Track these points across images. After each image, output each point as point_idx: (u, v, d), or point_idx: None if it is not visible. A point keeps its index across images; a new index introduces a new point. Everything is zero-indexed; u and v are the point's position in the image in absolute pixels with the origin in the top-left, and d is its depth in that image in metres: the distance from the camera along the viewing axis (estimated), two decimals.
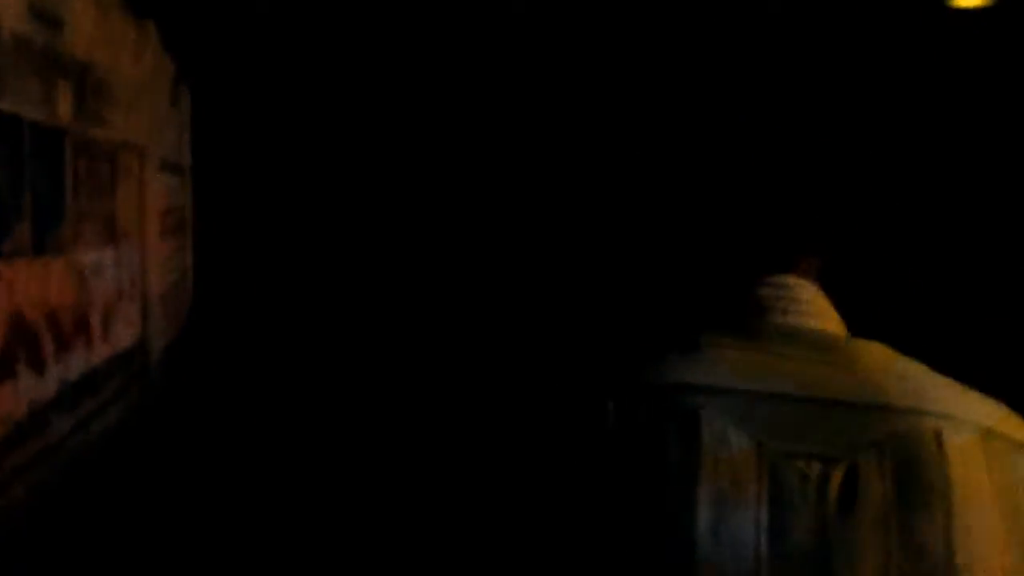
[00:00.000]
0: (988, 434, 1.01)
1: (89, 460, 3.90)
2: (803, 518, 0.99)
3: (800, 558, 0.97)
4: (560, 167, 8.99)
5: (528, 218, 8.89)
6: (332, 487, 4.87)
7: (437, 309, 9.16)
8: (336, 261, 9.65)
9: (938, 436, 0.96)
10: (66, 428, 3.57)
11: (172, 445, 5.00)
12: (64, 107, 3.56)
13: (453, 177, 9.63)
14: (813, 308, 1.26)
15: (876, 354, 1.12)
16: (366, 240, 9.74)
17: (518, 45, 8.50)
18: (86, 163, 3.87)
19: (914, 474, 0.95)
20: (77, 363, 3.70)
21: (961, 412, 1.02)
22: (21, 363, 3.10)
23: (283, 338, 8.04)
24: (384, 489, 4.82)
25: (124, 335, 4.60)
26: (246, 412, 5.82)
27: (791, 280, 1.27)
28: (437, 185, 9.77)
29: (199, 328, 7.76)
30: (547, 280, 8.65)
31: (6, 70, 2.96)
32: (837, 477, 0.99)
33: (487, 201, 9.42)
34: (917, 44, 7.76)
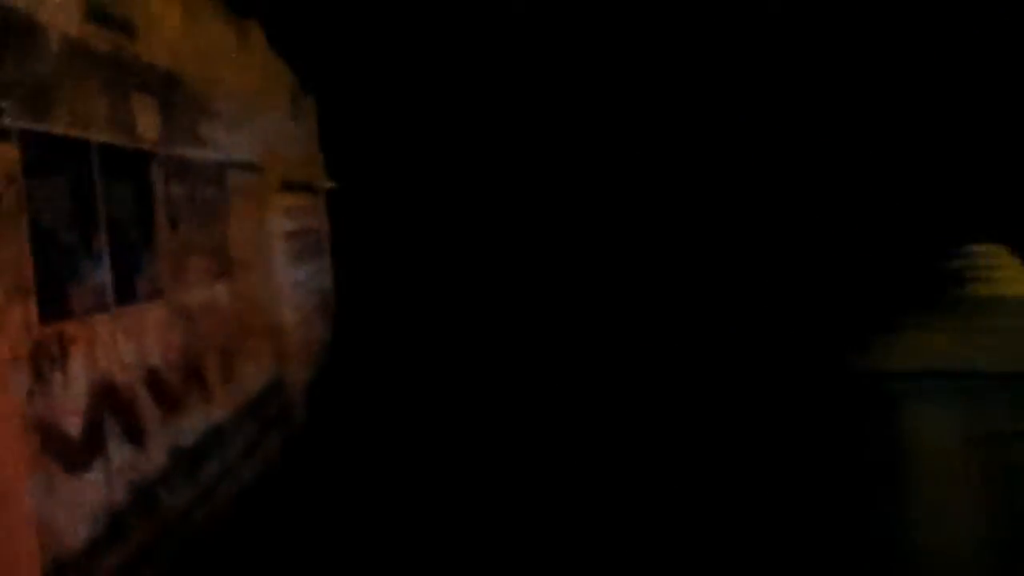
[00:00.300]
0: None
1: (219, 534, 3.34)
2: None
3: None
4: (725, 157, 8.22)
5: (708, 207, 8.17)
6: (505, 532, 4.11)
7: (596, 312, 8.36)
8: (489, 279, 8.97)
9: None
10: (183, 502, 3.01)
11: (322, 498, 4.42)
12: (147, 125, 3.01)
13: (605, 178, 8.83)
14: (1013, 274, 1.42)
15: None
16: (519, 254, 8.99)
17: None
18: (183, 188, 3.33)
19: None
20: (191, 423, 3.15)
21: None
22: (113, 438, 2.54)
23: (435, 362, 7.46)
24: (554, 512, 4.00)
25: (253, 378, 4.07)
26: (405, 449, 5.19)
27: (983, 247, 1.51)
28: (590, 188, 8.96)
29: (346, 356, 7.34)
30: (741, 267, 7.83)
31: (57, 84, 2.40)
32: None
33: (641, 198, 8.60)
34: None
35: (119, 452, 2.56)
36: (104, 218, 2.60)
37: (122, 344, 2.65)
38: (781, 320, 7.20)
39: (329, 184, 8.46)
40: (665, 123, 8.65)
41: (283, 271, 4.88)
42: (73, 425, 2.32)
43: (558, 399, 6.05)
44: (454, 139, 9.05)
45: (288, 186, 5.37)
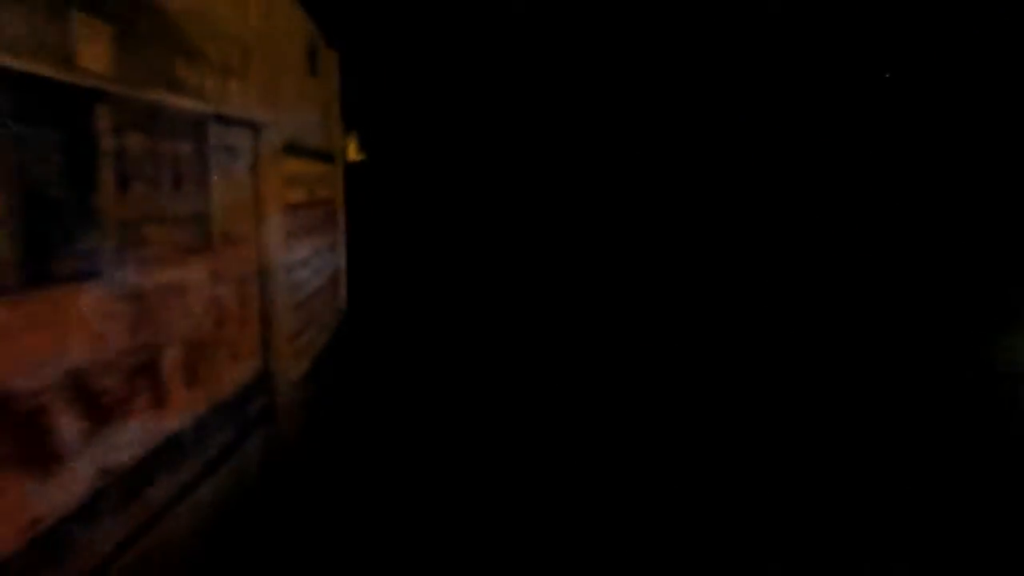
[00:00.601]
0: None
1: (168, 566, 2.72)
2: None
3: None
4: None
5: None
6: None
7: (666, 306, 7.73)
8: (521, 263, 8.42)
9: None
10: (114, 536, 2.38)
11: (310, 511, 3.80)
12: (93, 56, 2.35)
13: (632, 167, 8.30)
14: None
15: None
16: (546, 234, 8.48)
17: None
18: (145, 141, 2.68)
19: None
20: (134, 435, 2.51)
21: None
22: (4, 467, 1.90)
23: (455, 353, 6.81)
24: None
25: (231, 374, 3.43)
26: (413, 453, 4.56)
27: None
28: (612, 175, 8.46)
29: (355, 342, 6.71)
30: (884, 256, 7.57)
31: None
32: None
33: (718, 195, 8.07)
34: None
35: (13, 485, 1.93)
36: (10, 172, 1.96)
37: (28, 339, 2.01)
38: (914, 323, 7.23)
39: (353, 153, 7.78)
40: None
41: (281, 247, 4.23)
42: None
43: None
44: (489, 114, 8.34)
45: (295, 150, 4.71)
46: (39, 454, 2.04)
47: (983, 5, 6.97)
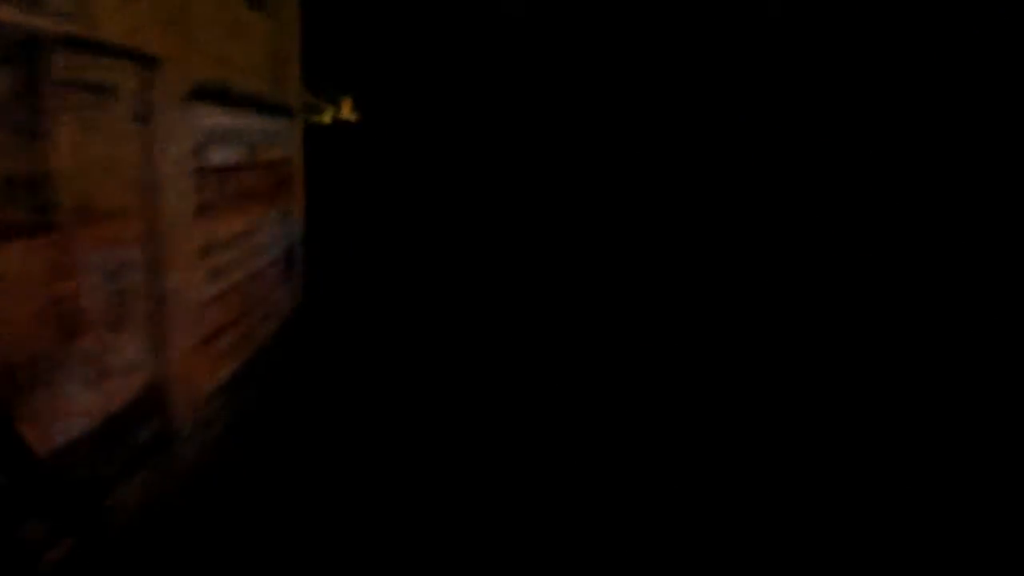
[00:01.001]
0: None
1: None
2: None
3: None
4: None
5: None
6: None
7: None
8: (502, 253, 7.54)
9: None
10: None
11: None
12: None
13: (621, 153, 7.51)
14: None
15: None
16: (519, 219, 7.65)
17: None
18: None
19: None
20: None
21: None
22: None
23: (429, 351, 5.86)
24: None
25: (88, 402, 2.48)
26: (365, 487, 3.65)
27: None
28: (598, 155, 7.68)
29: (318, 330, 5.76)
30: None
31: None
32: None
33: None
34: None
35: None
36: None
37: None
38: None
39: (348, 112, 6.84)
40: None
41: (191, 221, 3.25)
42: None
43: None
44: (490, 95, 7.43)
45: (221, 97, 3.71)
46: None
47: (983, 5, 6.13)
